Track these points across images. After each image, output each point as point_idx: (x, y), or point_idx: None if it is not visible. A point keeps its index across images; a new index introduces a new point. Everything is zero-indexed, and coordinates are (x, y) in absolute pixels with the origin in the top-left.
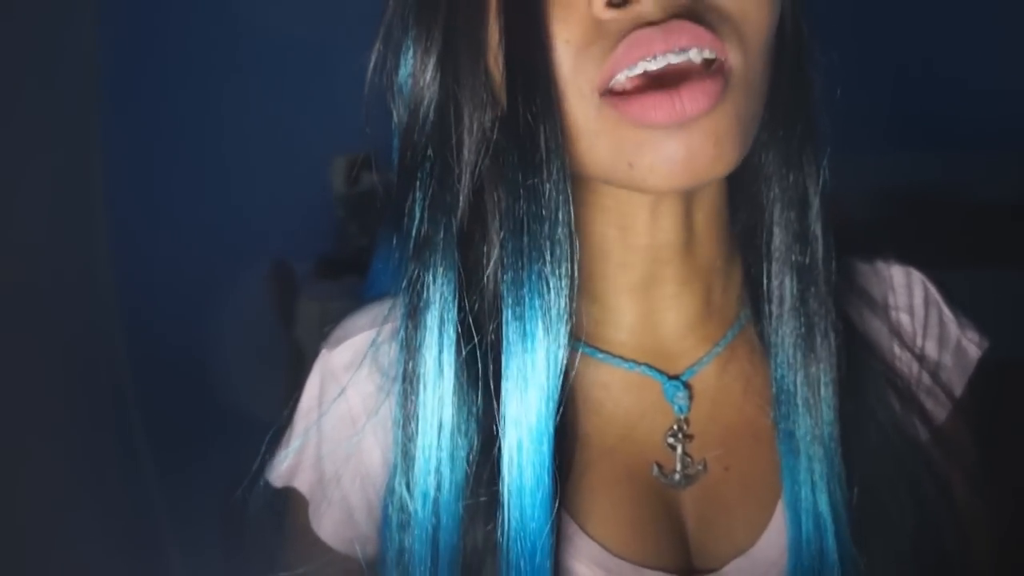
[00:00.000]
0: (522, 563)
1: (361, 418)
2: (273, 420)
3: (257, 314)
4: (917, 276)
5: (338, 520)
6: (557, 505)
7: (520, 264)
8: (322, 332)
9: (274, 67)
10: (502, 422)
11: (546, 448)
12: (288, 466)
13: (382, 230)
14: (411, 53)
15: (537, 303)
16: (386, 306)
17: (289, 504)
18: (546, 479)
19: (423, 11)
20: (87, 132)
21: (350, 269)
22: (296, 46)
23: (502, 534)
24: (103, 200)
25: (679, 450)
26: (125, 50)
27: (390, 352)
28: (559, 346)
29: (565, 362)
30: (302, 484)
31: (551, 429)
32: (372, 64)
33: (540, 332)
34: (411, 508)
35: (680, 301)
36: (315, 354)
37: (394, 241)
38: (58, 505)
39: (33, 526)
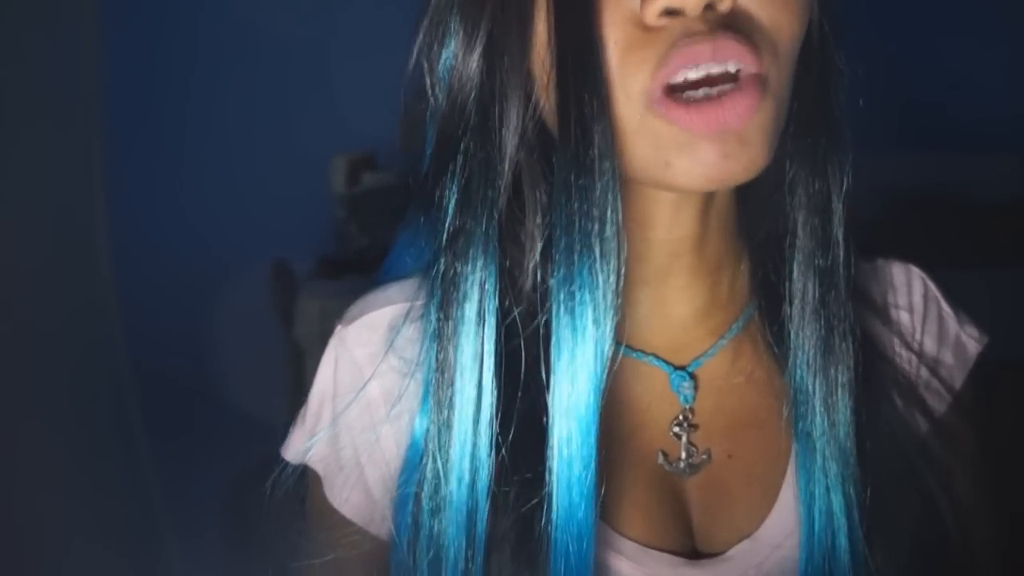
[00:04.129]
0: (570, 549)
1: (376, 400)
2: (272, 419)
3: (257, 314)
4: (916, 273)
5: (356, 494)
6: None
7: (572, 260)
8: (322, 331)
9: (274, 67)
10: (551, 413)
11: (593, 439)
12: (302, 443)
13: (407, 218)
14: (455, 44)
15: (588, 298)
16: (404, 288)
17: (305, 482)
18: (593, 469)
19: (470, 5)
20: (87, 132)
21: (350, 269)
22: (296, 46)
23: (549, 523)
24: (103, 200)
25: (684, 439)
26: (125, 50)
27: (409, 335)
28: (607, 340)
29: (610, 355)
30: (315, 462)
31: (597, 420)
32: (414, 51)
33: (590, 326)
34: (446, 493)
35: (689, 293)
36: (315, 353)
37: (421, 230)
38: (57, 503)
39: (31, 526)
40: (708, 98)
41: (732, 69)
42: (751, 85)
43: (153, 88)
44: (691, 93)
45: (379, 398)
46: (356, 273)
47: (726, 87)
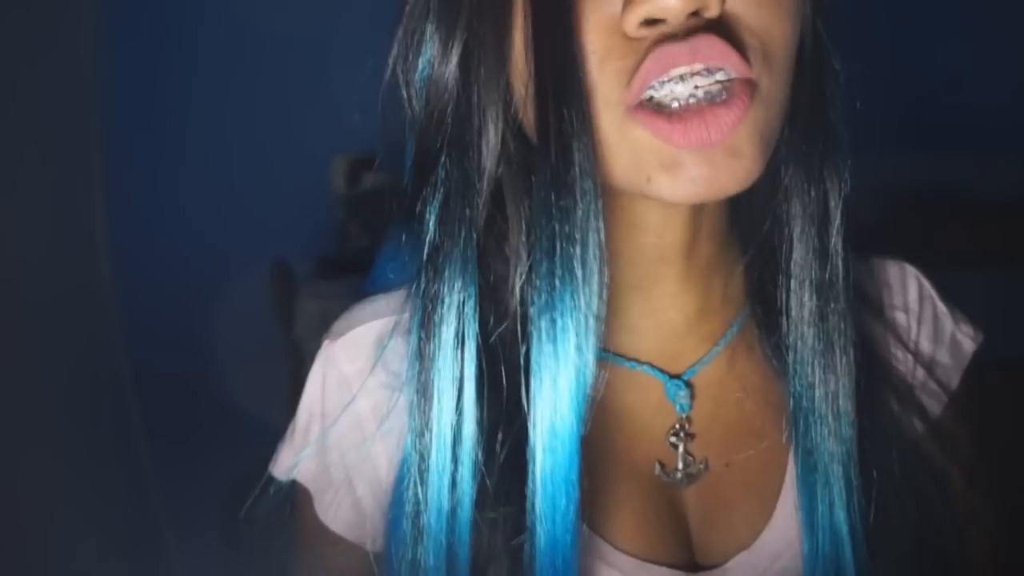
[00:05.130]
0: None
1: (365, 416)
2: (272, 420)
3: (257, 314)
4: (911, 271)
5: (347, 511)
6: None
7: (553, 286)
8: (322, 331)
9: (274, 67)
10: (532, 445)
11: (575, 467)
12: (291, 459)
13: (390, 231)
14: (430, 54)
15: (570, 324)
16: (391, 301)
17: (293, 497)
18: (575, 497)
19: (445, 13)
20: (87, 132)
21: (350, 269)
22: (296, 46)
23: (532, 549)
24: (103, 200)
25: (681, 449)
26: (125, 50)
27: (397, 349)
28: (588, 365)
29: (593, 378)
30: (304, 477)
31: (578, 447)
32: (390, 61)
33: (572, 351)
34: (425, 520)
35: (680, 300)
36: (315, 354)
37: (403, 244)
38: (56, 504)
39: (31, 525)
40: (691, 107)
41: (721, 77)
42: (738, 94)
43: (153, 88)
44: (679, 117)
45: (368, 414)
46: (356, 273)
47: (713, 90)
